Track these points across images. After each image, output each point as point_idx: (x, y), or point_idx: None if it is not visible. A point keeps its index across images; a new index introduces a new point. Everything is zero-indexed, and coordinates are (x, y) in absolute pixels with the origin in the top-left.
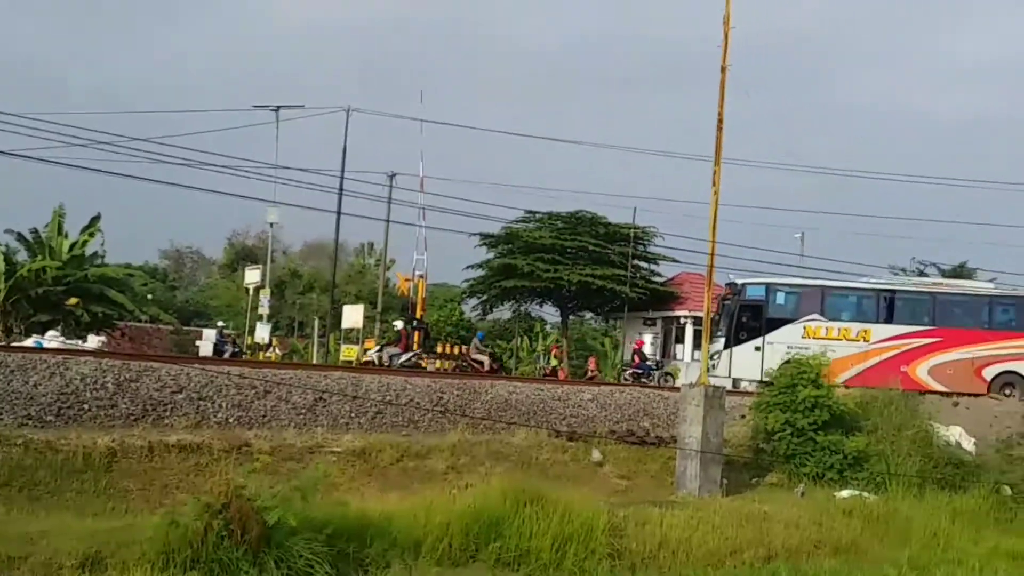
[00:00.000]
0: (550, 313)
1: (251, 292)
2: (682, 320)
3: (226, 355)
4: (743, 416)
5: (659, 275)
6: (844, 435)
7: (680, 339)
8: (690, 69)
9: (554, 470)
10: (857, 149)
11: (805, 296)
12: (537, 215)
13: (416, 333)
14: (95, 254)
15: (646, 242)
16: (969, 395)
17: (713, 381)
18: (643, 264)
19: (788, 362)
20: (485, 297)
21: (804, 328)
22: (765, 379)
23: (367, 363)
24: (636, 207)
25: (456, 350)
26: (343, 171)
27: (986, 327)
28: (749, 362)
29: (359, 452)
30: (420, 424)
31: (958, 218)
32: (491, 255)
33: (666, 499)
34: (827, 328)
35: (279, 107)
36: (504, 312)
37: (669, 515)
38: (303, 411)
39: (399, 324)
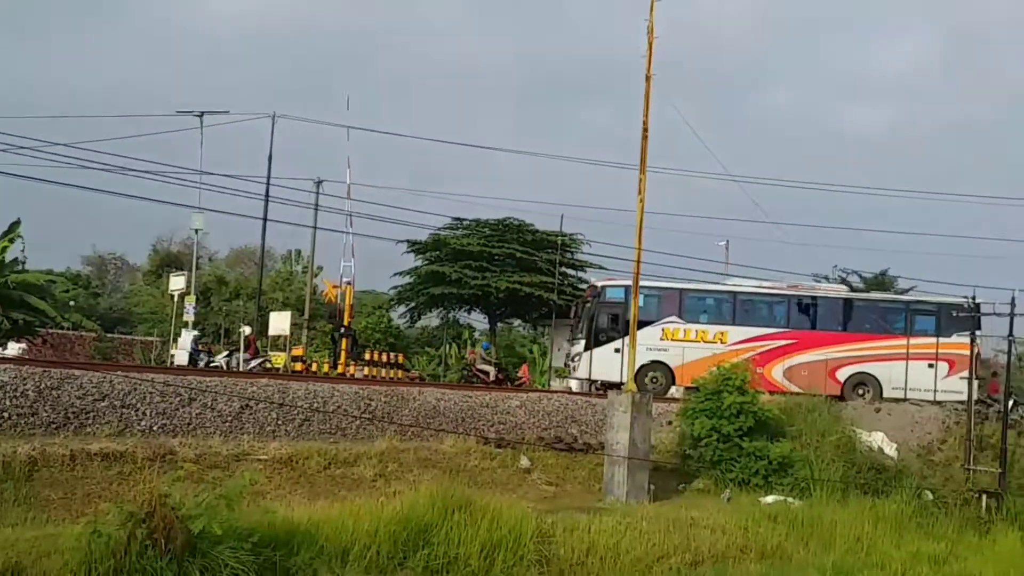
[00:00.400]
0: (478, 320)
1: (176, 299)
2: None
3: (201, 364)
4: (670, 422)
5: (586, 282)
6: (769, 441)
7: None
8: (624, 78)
9: (483, 477)
10: (780, 159)
11: (664, 298)
12: (465, 222)
13: (344, 340)
14: (15, 260)
15: (573, 249)
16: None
17: (572, 384)
18: (571, 271)
19: (715, 369)
20: (413, 304)
21: (663, 330)
22: (624, 380)
23: (215, 368)
24: (563, 215)
25: (384, 357)
26: (269, 177)
27: (840, 329)
28: (609, 364)
29: (286, 459)
30: (348, 431)
31: (879, 227)
32: (419, 262)
33: (594, 505)
34: (685, 330)
35: (203, 113)
36: (432, 319)
37: (597, 521)
38: (229, 419)
39: (247, 330)
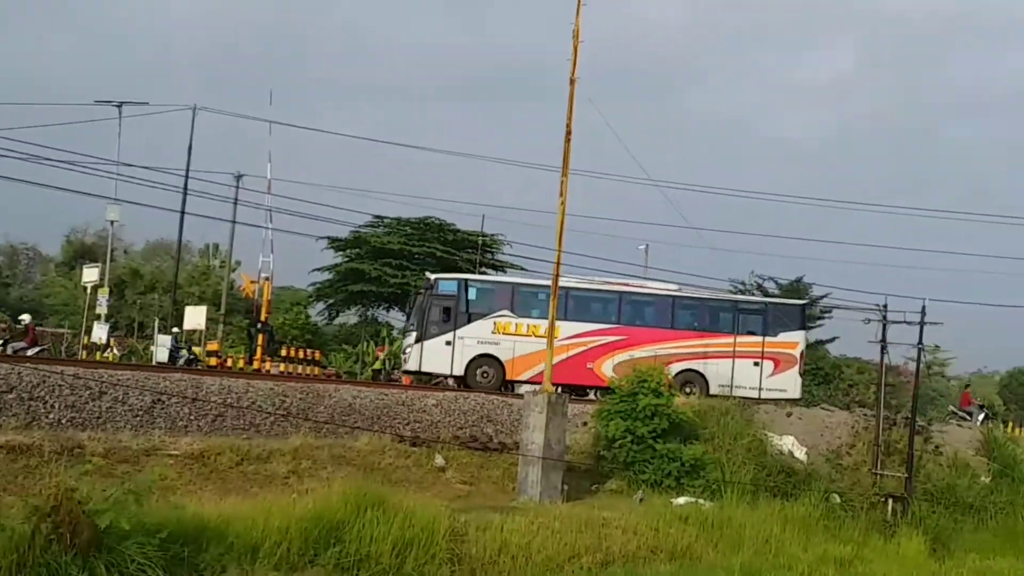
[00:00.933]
0: (397, 319)
1: (89, 291)
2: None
3: (180, 362)
4: (585, 423)
5: None
6: (682, 443)
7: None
8: (548, 81)
9: (397, 475)
10: (701, 164)
11: (497, 292)
12: (386, 220)
13: (260, 336)
14: None
15: (495, 250)
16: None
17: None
18: (491, 271)
19: (635, 371)
20: (332, 301)
21: (495, 324)
22: (456, 373)
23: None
24: (484, 215)
25: (301, 353)
26: (188, 170)
27: (670, 327)
28: (440, 356)
29: (198, 455)
30: (262, 427)
31: (798, 235)
32: (339, 259)
33: (508, 504)
34: (517, 324)
35: (122, 103)
36: (351, 316)
37: (510, 520)
38: (140, 413)
39: (26, 318)
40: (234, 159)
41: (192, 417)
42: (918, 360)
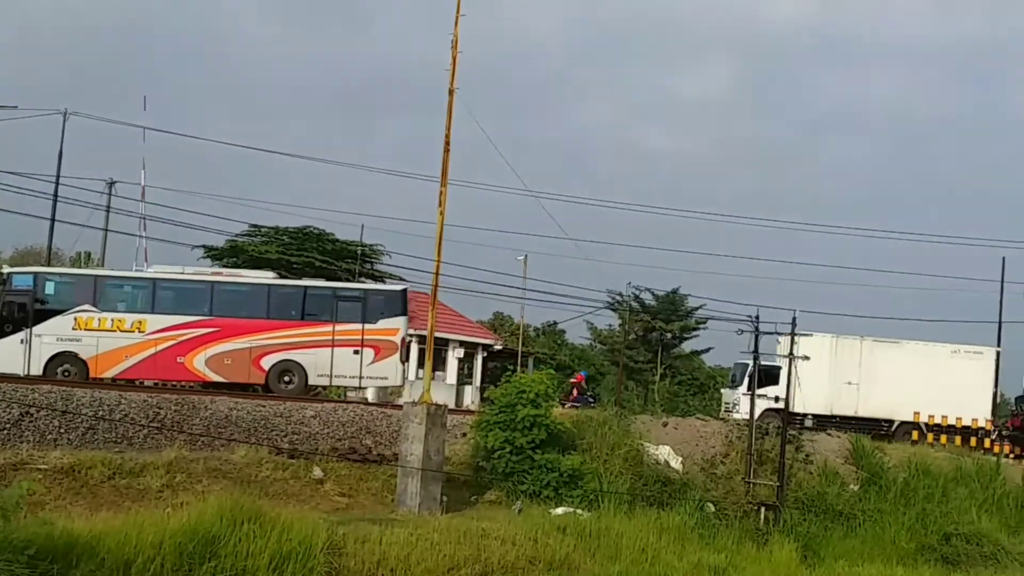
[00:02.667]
0: None
1: None
2: (407, 339)
3: None
4: (464, 434)
5: None
6: (561, 454)
7: (405, 357)
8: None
9: (274, 488)
10: (578, 174)
11: (78, 286)
12: (263, 229)
13: None
14: None
15: (373, 260)
16: (249, 385)
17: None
18: (370, 281)
19: (509, 381)
20: None
21: (75, 319)
22: (34, 373)
23: None
24: (364, 224)
25: None
26: (58, 176)
27: (265, 316)
28: (13, 355)
29: (67, 469)
30: (135, 440)
31: (669, 246)
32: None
33: (387, 516)
34: (100, 319)
35: None
36: None
37: (389, 533)
38: (7, 426)
39: None
40: (107, 165)
41: (62, 430)
42: (789, 370)
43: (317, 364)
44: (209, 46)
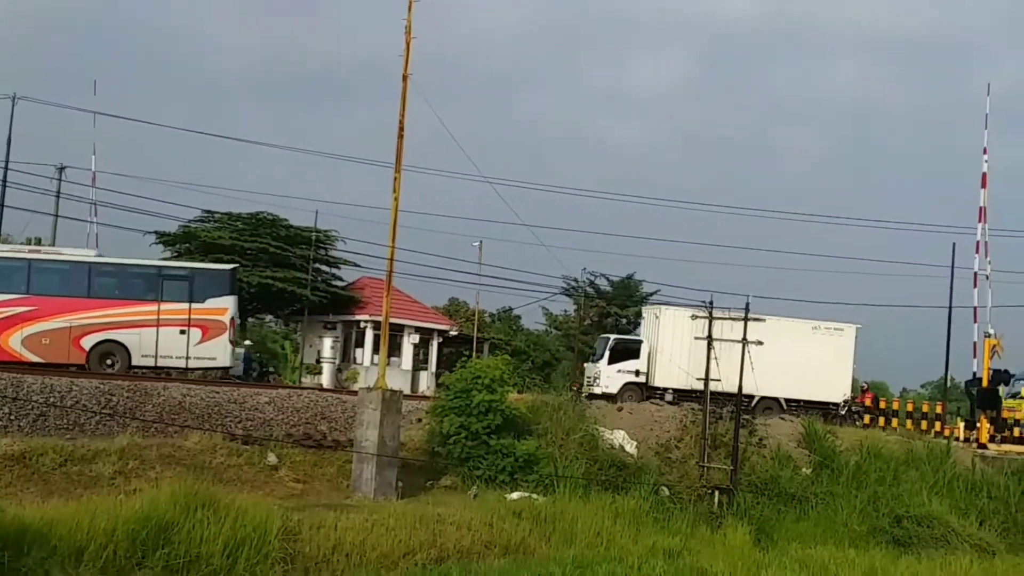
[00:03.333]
0: None
1: None
2: (362, 324)
3: (254, 376)
4: (420, 420)
5: (340, 279)
6: (516, 439)
7: (360, 343)
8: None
9: (228, 474)
10: (534, 164)
11: None
12: (216, 215)
13: None
14: None
15: (328, 246)
16: (65, 365)
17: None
18: (324, 268)
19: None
20: None
21: None
22: None
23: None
24: (318, 210)
25: None
26: (7, 162)
27: (86, 295)
28: None
29: (18, 456)
30: (87, 427)
31: (625, 231)
32: (168, 254)
33: (342, 502)
34: None
35: None
36: None
37: (344, 518)
38: None
39: None
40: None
41: (12, 418)
42: (743, 355)
43: (141, 344)
44: (164, 31)
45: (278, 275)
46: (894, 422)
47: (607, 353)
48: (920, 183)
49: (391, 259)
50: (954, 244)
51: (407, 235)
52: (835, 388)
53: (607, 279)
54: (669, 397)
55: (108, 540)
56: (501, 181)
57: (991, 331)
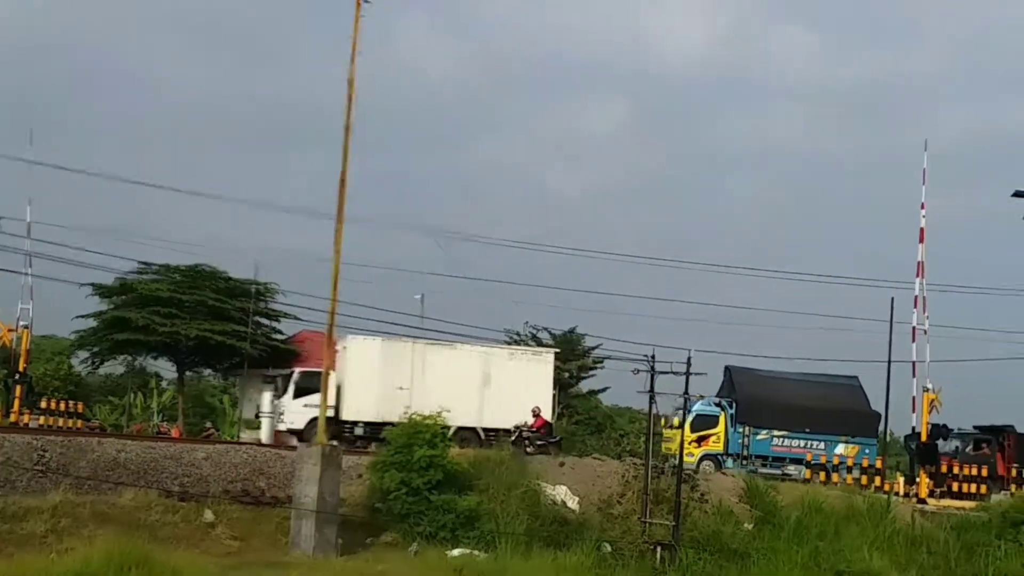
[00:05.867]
0: (167, 368)
1: None
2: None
3: None
4: (360, 475)
5: (280, 332)
6: (458, 494)
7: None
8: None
9: (164, 532)
10: (481, 212)
11: None
12: (153, 267)
13: (18, 387)
14: None
15: (268, 298)
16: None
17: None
18: (264, 320)
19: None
20: (96, 350)
21: None
22: None
23: None
24: (257, 262)
25: (63, 405)
26: None
27: None
28: None
29: None
30: (18, 484)
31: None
32: (104, 306)
33: (280, 560)
34: None
35: None
36: (117, 366)
37: None
38: None
39: None
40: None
41: None
42: (684, 409)
43: None
44: (108, 80)
45: (216, 328)
46: (835, 476)
47: (291, 387)
48: (861, 232)
49: (332, 312)
50: (892, 298)
51: (348, 287)
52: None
53: (549, 332)
54: (359, 431)
55: None
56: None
57: (929, 385)
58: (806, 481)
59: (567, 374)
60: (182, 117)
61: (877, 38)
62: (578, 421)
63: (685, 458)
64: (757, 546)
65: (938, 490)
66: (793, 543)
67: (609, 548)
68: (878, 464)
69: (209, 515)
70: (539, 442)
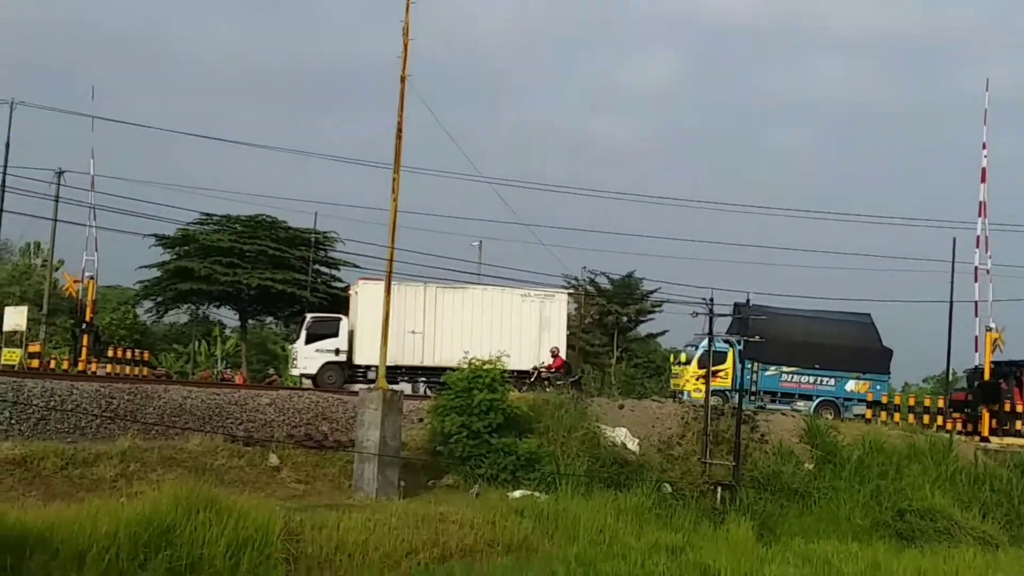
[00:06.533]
0: (229, 317)
1: None
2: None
3: None
4: (421, 420)
5: (340, 280)
6: (517, 437)
7: None
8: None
9: (230, 476)
10: (532, 163)
11: None
12: (215, 218)
13: (85, 336)
14: None
15: (327, 247)
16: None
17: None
18: (324, 269)
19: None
20: (160, 299)
21: None
22: None
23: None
24: (317, 212)
25: (129, 354)
26: (6, 166)
27: None
28: None
29: (19, 460)
30: (87, 430)
31: (624, 230)
32: (167, 256)
33: (344, 502)
34: None
35: None
36: (181, 316)
37: (346, 518)
38: None
39: None
40: (56, 155)
41: (13, 421)
42: (743, 350)
43: None
44: (161, 37)
45: (277, 277)
46: (896, 416)
47: (303, 333)
48: (917, 179)
49: (390, 260)
50: (954, 239)
51: (406, 235)
52: (545, 355)
53: (607, 277)
54: (372, 375)
55: (110, 543)
56: (499, 181)
57: (992, 325)
58: (867, 421)
59: (625, 318)
60: (237, 72)
61: None
62: (636, 364)
63: (693, 393)
64: (818, 485)
65: (1000, 428)
66: (854, 482)
67: (670, 489)
68: (940, 403)
69: (274, 459)
70: (559, 382)
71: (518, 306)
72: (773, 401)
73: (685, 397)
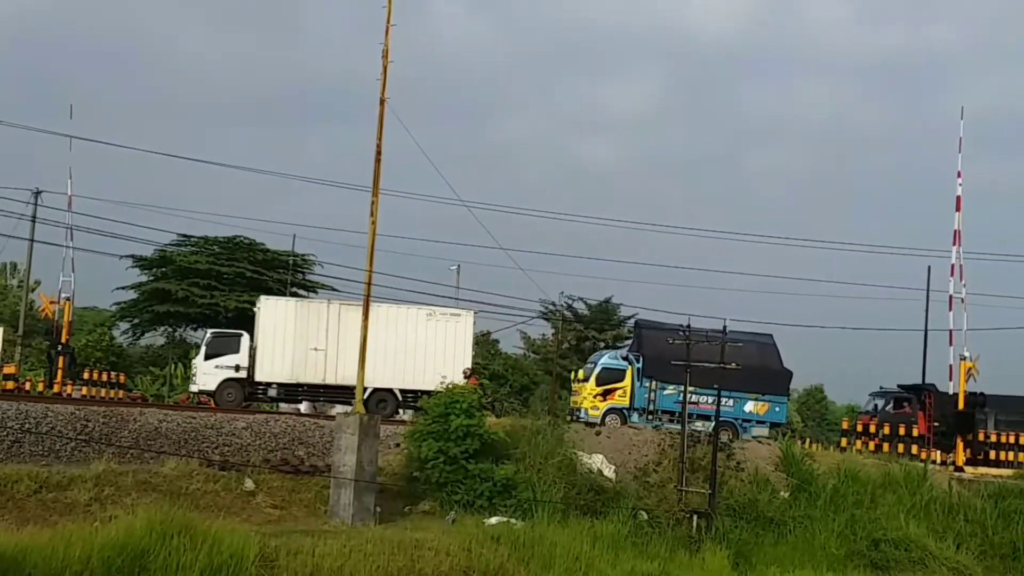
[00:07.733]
0: None
1: None
2: None
3: None
4: (398, 444)
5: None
6: (494, 463)
7: None
8: (360, 102)
9: (205, 500)
10: (510, 186)
11: None
12: (192, 239)
13: (61, 358)
14: None
15: (305, 270)
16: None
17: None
18: (302, 292)
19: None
20: (137, 321)
21: None
22: None
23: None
24: (295, 235)
25: (105, 376)
26: None
27: None
28: None
29: None
30: (62, 454)
31: (602, 255)
32: (144, 278)
33: (319, 528)
34: None
35: None
36: (158, 338)
37: (322, 544)
38: None
39: None
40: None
41: None
42: (720, 378)
43: None
44: (138, 56)
45: (255, 299)
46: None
47: (203, 349)
48: (894, 203)
49: (368, 283)
50: (929, 267)
51: (384, 259)
52: (454, 374)
53: (585, 303)
54: (273, 392)
55: (83, 568)
56: (478, 205)
57: (966, 354)
58: (842, 450)
59: (603, 343)
60: (215, 92)
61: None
62: None
63: (590, 411)
64: (793, 514)
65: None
66: (829, 511)
67: (645, 516)
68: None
69: (249, 484)
70: None
71: (423, 324)
72: (671, 420)
73: (582, 415)
